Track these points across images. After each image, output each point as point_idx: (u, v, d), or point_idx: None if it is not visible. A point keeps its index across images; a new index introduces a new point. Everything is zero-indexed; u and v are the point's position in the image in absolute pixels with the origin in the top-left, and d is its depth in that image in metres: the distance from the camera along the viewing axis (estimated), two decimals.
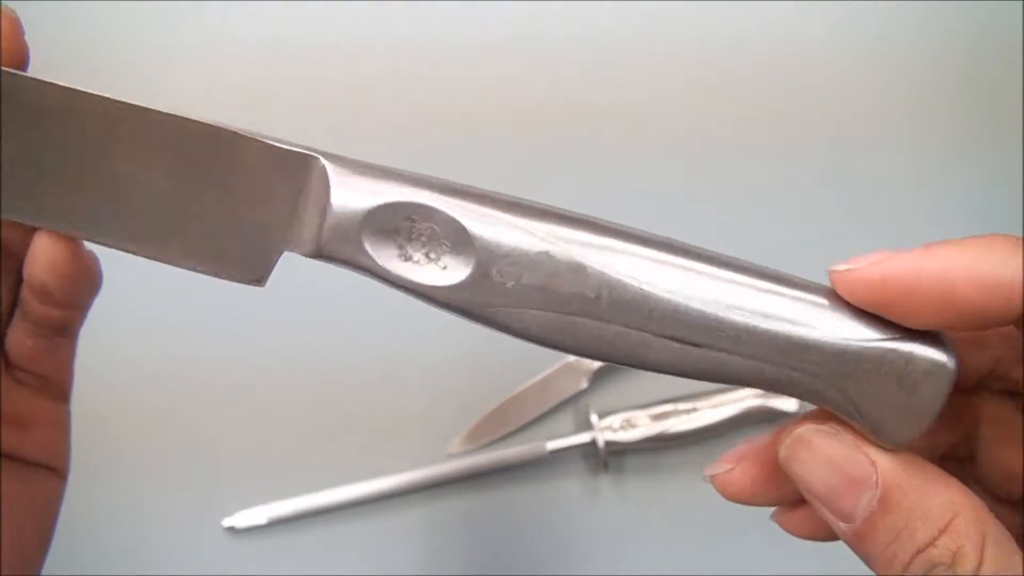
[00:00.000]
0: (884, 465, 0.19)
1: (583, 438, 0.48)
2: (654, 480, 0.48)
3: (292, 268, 0.55)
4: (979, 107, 0.54)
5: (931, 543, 0.18)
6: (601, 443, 0.47)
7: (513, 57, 0.54)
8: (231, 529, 0.47)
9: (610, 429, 0.47)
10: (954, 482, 0.19)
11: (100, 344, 0.51)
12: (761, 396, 0.48)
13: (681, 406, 0.47)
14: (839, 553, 0.47)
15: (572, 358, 0.49)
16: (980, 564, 0.18)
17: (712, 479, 0.22)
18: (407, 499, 0.48)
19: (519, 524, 0.48)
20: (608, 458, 0.48)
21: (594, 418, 0.48)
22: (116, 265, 0.54)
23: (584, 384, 0.49)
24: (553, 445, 0.48)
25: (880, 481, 0.19)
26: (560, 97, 0.54)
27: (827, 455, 0.19)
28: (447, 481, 0.48)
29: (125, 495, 0.48)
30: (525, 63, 0.54)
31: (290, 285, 0.52)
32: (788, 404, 0.47)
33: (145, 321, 0.51)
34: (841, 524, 0.20)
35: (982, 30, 0.55)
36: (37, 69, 0.24)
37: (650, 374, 0.48)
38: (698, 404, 0.47)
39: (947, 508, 0.18)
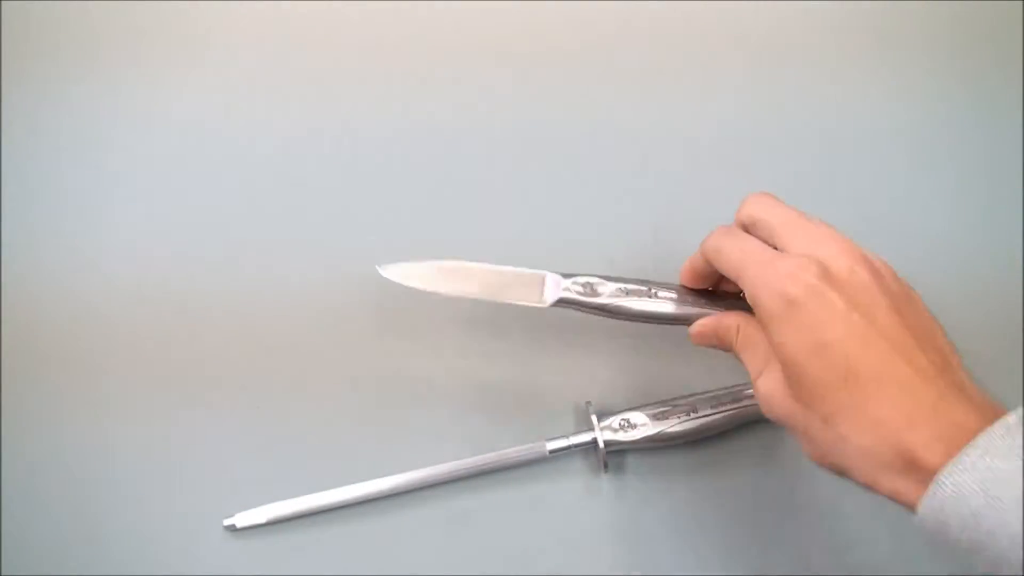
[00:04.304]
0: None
1: (583, 438, 0.48)
2: (654, 480, 0.48)
3: (287, 279, 0.55)
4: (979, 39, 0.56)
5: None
6: (601, 443, 0.47)
7: None
8: (231, 529, 0.47)
9: (610, 429, 0.47)
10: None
11: (100, 347, 0.51)
12: None
13: (681, 406, 0.47)
14: (838, 553, 0.47)
15: (529, 270, 0.46)
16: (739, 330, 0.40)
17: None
18: (407, 499, 0.48)
19: (519, 524, 0.48)
20: (608, 458, 0.48)
21: (594, 418, 0.48)
22: (120, 273, 0.54)
23: (539, 303, 0.45)
24: (553, 445, 0.48)
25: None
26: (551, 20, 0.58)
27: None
28: (447, 481, 0.48)
29: (125, 495, 0.48)
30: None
31: (289, 292, 0.52)
32: None
33: (146, 325, 0.51)
34: None
35: None
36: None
37: (650, 373, 0.48)
38: (698, 404, 0.47)
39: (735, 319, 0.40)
